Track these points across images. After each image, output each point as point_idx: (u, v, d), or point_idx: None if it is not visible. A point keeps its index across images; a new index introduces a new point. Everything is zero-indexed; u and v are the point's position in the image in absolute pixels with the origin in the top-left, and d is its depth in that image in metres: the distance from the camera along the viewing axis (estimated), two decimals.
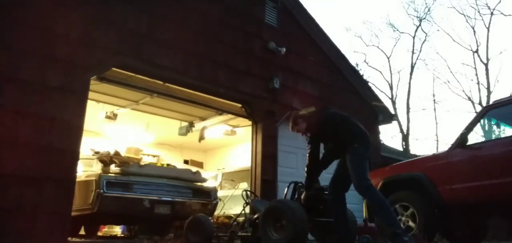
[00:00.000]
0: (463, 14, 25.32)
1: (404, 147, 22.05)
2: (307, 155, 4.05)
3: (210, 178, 8.28)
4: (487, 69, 21.71)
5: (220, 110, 7.96)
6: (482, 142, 5.27)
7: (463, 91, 25.81)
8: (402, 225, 4.24)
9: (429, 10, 24.38)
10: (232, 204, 7.70)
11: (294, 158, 7.70)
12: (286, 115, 7.46)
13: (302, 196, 4.15)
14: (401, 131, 22.98)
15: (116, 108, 8.03)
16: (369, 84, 14.77)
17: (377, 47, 27.61)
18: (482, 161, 4.44)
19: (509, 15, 24.37)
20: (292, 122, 4.21)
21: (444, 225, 4.98)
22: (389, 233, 3.48)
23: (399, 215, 4.78)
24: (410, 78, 23.54)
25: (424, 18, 24.40)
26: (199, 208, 6.26)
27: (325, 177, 4.18)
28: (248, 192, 5.50)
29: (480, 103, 21.21)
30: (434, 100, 23.74)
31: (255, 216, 4.70)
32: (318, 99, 8.07)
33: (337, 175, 4.03)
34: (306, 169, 4.08)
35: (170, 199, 6.10)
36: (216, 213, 7.08)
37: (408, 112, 23.25)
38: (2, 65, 4.61)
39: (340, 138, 3.92)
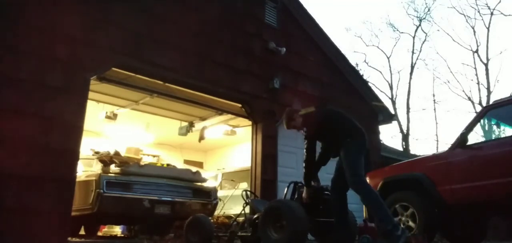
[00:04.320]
0: (463, 14, 25.38)
1: (404, 147, 22.05)
2: (305, 150, 4.01)
3: (210, 178, 8.28)
4: (487, 69, 21.73)
5: (220, 110, 7.96)
6: (482, 142, 5.27)
7: (463, 91, 25.85)
8: (397, 223, 4.17)
9: (429, 10, 24.39)
10: (232, 204, 7.70)
11: (294, 158, 7.69)
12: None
13: (303, 193, 4.13)
14: (401, 131, 22.99)
15: (116, 108, 8.03)
16: (369, 84, 14.77)
17: (377, 47, 27.63)
18: (482, 161, 4.44)
19: (509, 15, 24.33)
20: (287, 118, 4.11)
21: (444, 225, 4.98)
22: (381, 230, 3.47)
23: (399, 215, 4.78)
24: (410, 78, 23.57)
25: (424, 18, 24.42)
26: (199, 208, 6.26)
27: (325, 177, 4.17)
28: (248, 192, 5.49)
29: (480, 103, 21.22)
30: (434, 100, 23.77)
31: (255, 216, 4.70)
32: (318, 99, 8.07)
33: (337, 174, 4.01)
34: (304, 164, 4.04)
35: (170, 199, 6.10)
36: (216, 213, 7.08)
37: (408, 112, 23.27)
38: (2, 65, 4.61)
39: (334, 133, 3.91)
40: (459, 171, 4.53)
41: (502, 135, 5.82)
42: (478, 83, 22.01)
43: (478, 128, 5.48)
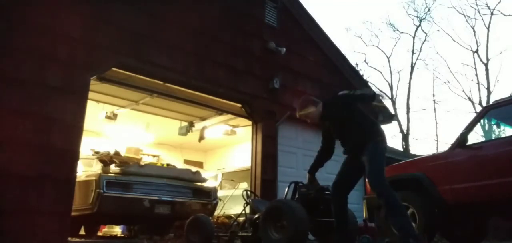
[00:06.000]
0: (463, 14, 25.43)
1: (404, 147, 22.07)
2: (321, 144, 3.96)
3: (210, 178, 8.28)
4: (487, 69, 21.74)
5: (220, 110, 7.95)
6: (482, 142, 5.27)
7: (463, 91, 25.87)
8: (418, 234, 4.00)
9: (429, 10, 24.44)
10: (232, 204, 7.70)
11: (294, 158, 7.71)
12: (286, 115, 7.48)
13: (306, 181, 4.10)
14: (401, 131, 23.01)
15: (116, 108, 8.02)
16: (369, 84, 14.77)
17: (377, 47, 27.68)
18: (482, 161, 4.43)
19: (509, 15, 24.33)
20: (301, 103, 3.92)
21: (444, 225, 4.98)
22: (400, 237, 3.33)
23: None
24: (410, 78, 23.61)
25: (424, 18, 24.46)
26: (199, 208, 6.26)
27: (326, 177, 4.17)
28: (248, 192, 5.50)
29: (480, 103, 21.24)
30: (434, 100, 23.81)
31: (256, 216, 4.70)
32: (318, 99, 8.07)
33: (341, 175, 3.89)
34: (317, 154, 3.98)
35: (170, 199, 6.10)
36: (216, 213, 7.08)
37: (408, 112, 23.31)
38: (2, 65, 4.60)
39: (360, 125, 3.71)
40: (459, 171, 4.53)
41: (502, 135, 5.82)
42: (478, 83, 22.06)
43: (478, 128, 5.48)
